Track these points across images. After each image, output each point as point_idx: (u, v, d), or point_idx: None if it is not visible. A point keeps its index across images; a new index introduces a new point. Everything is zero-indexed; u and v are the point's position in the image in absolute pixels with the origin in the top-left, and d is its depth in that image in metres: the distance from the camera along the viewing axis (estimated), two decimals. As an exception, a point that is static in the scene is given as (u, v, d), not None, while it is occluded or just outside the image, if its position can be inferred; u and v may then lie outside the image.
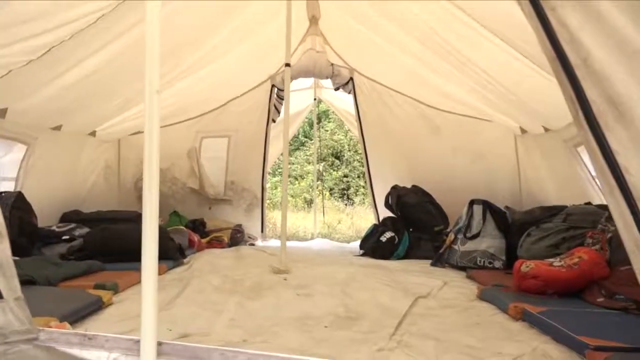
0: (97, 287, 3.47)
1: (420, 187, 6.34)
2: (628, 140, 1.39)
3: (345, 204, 13.84)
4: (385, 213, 6.61)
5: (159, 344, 1.62)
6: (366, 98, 7.06)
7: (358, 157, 14.44)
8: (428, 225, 6.02)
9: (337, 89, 7.25)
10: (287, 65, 4.92)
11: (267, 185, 8.53)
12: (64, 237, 5.05)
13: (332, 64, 6.77)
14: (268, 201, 9.45)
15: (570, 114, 1.54)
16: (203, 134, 7.45)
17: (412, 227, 6.08)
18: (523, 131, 6.01)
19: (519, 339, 2.67)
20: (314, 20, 6.18)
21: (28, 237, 4.69)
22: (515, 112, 5.58)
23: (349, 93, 7.16)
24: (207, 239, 6.36)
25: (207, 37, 5.20)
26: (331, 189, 14.84)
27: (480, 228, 5.01)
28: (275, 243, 6.99)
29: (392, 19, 4.94)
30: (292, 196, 13.93)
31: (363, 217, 11.10)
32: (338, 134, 15.37)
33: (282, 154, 6.86)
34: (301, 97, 8.67)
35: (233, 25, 5.17)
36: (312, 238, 8.57)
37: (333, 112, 12.91)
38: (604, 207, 4.14)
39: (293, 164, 14.94)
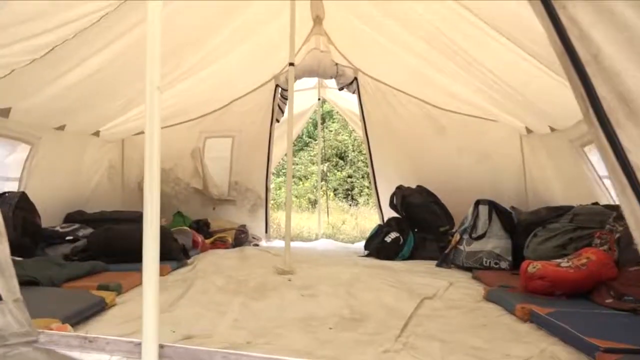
0: (101, 288, 3.44)
1: (425, 187, 6.30)
2: (639, 137, 1.36)
3: (350, 205, 13.81)
4: (389, 213, 6.58)
5: (161, 346, 1.60)
6: (370, 98, 7.03)
7: (362, 158, 14.40)
8: (433, 226, 5.99)
9: (341, 88, 7.22)
10: (291, 64, 4.89)
11: (271, 186, 8.51)
12: (67, 238, 5.04)
13: (336, 64, 6.75)
14: (272, 202, 9.43)
15: (581, 111, 1.50)
16: (207, 134, 7.43)
17: (417, 227, 6.04)
18: (529, 131, 5.97)
19: (526, 341, 2.64)
20: (318, 20, 6.16)
21: (31, 238, 4.68)
22: (521, 112, 5.54)
23: (353, 93, 7.14)
24: (211, 239, 6.35)
25: (209, 37, 5.18)
26: (335, 190, 14.80)
27: (486, 228, 4.97)
28: (279, 243, 6.96)
29: (397, 18, 4.91)
30: (296, 197, 13.90)
31: (367, 217, 11.07)
32: (342, 135, 15.33)
33: (286, 155, 6.82)
34: (305, 97, 8.65)
35: (236, 25, 5.15)
36: (316, 239, 8.55)
37: (337, 112, 12.89)
38: (612, 207, 4.10)
39: (297, 164, 14.92)
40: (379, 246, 5.89)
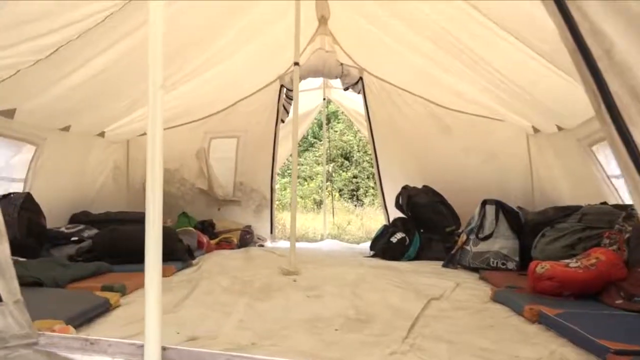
0: (105, 289, 3.42)
1: (431, 187, 6.26)
2: (652, 134, 1.33)
3: (355, 205, 13.78)
4: (395, 214, 6.55)
5: (164, 348, 1.57)
6: (376, 98, 7.00)
7: (367, 158, 14.37)
8: (439, 226, 5.95)
9: (346, 88, 7.20)
10: (296, 64, 4.87)
11: (276, 186, 8.49)
12: (72, 239, 5.04)
13: (341, 64, 6.72)
14: (277, 202, 9.41)
15: (593, 108, 1.47)
16: (212, 134, 7.43)
17: (423, 227, 6.01)
18: (536, 130, 5.92)
19: (535, 342, 2.60)
20: (323, 20, 6.13)
21: (36, 238, 4.68)
22: (529, 111, 5.49)
23: (359, 93, 7.11)
24: (216, 240, 6.33)
25: (214, 38, 5.18)
26: (340, 190, 14.78)
27: (493, 229, 4.92)
28: (284, 244, 6.94)
29: (403, 18, 4.88)
30: (301, 197, 13.89)
31: (373, 218, 11.04)
32: (347, 135, 15.31)
33: (291, 155, 6.81)
34: (310, 97, 8.63)
35: (241, 25, 5.14)
36: (321, 239, 8.53)
37: (342, 112, 12.86)
38: (621, 207, 4.06)
39: (302, 165, 14.90)
40: (384, 246, 5.85)
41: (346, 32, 6.30)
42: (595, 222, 4.03)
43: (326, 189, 11.85)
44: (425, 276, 4.52)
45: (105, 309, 3.04)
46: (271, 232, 7.36)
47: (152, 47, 1.69)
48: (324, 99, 9.01)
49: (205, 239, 5.91)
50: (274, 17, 5.25)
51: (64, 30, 3.53)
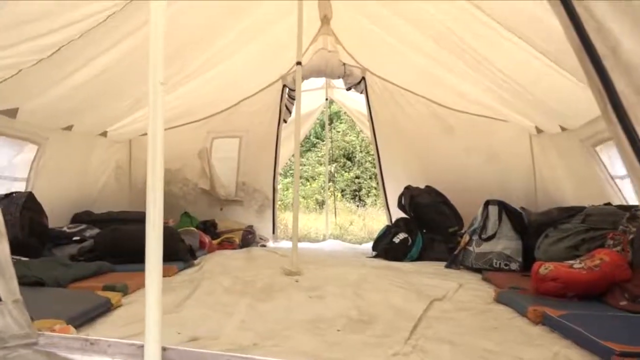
0: (107, 288, 3.41)
1: (434, 187, 6.24)
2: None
3: (357, 206, 13.76)
4: (397, 214, 6.53)
5: (164, 349, 1.56)
6: (378, 98, 6.99)
7: (370, 159, 14.36)
8: (442, 226, 5.93)
9: (349, 88, 7.19)
10: (299, 63, 4.86)
11: (279, 187, 8.48)
12: (74, 238, 5.04)
13: (343, 64, 6.71)
14: (279, 202, 9.41)
15: (599, 107, 1.45)
16: (214, 134, 7.42)
17: (426, 228, 5.99)
18: (539, 131, 5.90)
19: (539, 344, 2.58)
20: (325, 20, 6.12)
21: (38, 238, 4.67)
22: (531, 111, 5.47)
23: (361, 93, 7.11)
24: (218, 240, 6.33)
25: (217, 37, 5.16)
26: (343, 190, 14.76)
27: (496, 229, 4.90)
28: (286, 244, 6.93)
29: (405, 18, 4.87)
30: (303, 197, 13.88)
31: (375, 218, 11.02)
32: (350, 135, 15.30)
33: (293, 155, 6.80)
34: (313, 97, 8.62)
35: (243, 25, 5.13)
36: (323, 239, 8.52)
37: (345, 113, 12.85)
38: (625, 208, 4.04)
39: (304, 165, 14.89)
40: (387, 247, 5.84)
41: (349, 32, 6.29)
42: (599, 223, 4.01)
43: (328, 189, 11.84)
44: (428, 277, 4.50)
45: (106, 308, 3.02)
46: (273, 232, 7.35)
47: (153, 43, 1.68)
48: (327, 99, 9.00)
49: (207, 239, 5.90)
50: (276, 16, 5.24)
51: (65, 30, 3.52)
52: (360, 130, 12.76)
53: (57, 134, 5.31)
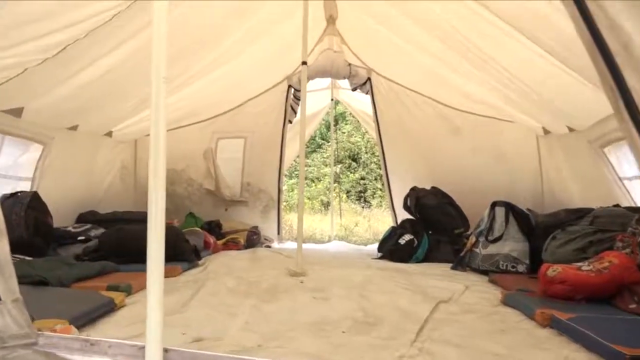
0: (110, 288, 3.40)
1: (440, 188, 6.20)
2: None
3: (362, 207, 13.73)
4: (403, 215, 6.50)
5: (165, 350, 1.53)
6: (384, 98, 6.96)
7: (375, 160, 14.33)
8: (448, 228, 5.88)
9: (354, 89, 7.16)
10: (304, 63, 4.84)
11: (284, 187, 8.46)
12: (79, 238, 5.04)
13: (349, 64, 6.69)
14: (284, 203, 9.39)
15: (611, 105, 1.42)
16: (219, 134, 7.41)
17: (432, 229, 5.94)
18: (546, 132, 5.86)
19: (547, 347, 2.54)
20: (331, 20, 6.10)
21: (43, 238, 4.67)
22: (538, 111, 5.43)
23: (367, 93, 7.08)
24: (223, 240, 6.31)
25: (222, 38, 5.15)
26: (348, 192, 14.74)
27: (503, 231, 4.85)
28: (291, 245, 6.91)
29: (411, 18, 4.84)
30: (308, 198, 13.86)
31: (380, 219, 10.98)
32: (355, 136, 15.27)
33: (298, 156, 6.78)
34: (318, 98, 8.60)
35: (248, 25, 5.11)
36: (328, 240, 8.49)
37: (350, 113, 12.84)
38: (634, 210, 3.99)
39: (310, 166, 14.88)
40: (392, 248, 5.80)
41: (354, 32, 6.26)
42: (607, 225, 3.95)
43: (334, 190, 11.82)
44: (434, 278, 4.46)
45: (110, 308, 3.01)
46: (278, 233, 7.33)
47: (155, 37, 1.66)
48: (332, 100, 8.98)
49: (211, 239, 5.88)
50: (281, 17, 5.22)
51: (70, 29, 3.52)
52: (366, 131, 12.75)
53: (62, 133, 5.31)
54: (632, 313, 2.94)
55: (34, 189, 4.96)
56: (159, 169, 1.60)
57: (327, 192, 13.49)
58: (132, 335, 2.42)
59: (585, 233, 4.01)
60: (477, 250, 4.93)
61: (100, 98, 5.01)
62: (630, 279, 3.16)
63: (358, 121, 11.85)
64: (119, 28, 3.86)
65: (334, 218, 9.77)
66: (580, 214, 4.43)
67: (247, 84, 6.82)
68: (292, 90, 7.19)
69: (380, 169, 9.44)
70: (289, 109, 7.26)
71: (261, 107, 7.28)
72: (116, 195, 6.69)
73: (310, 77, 6.30)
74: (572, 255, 3.85)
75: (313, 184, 14.77)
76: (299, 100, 6.88)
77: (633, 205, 4.33)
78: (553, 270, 3.34)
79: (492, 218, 4.98)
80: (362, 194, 14.76)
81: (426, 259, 5.62)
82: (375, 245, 6.57)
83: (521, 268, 4.62)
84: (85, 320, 2.68)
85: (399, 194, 6.66)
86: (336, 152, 12.71)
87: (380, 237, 6.59)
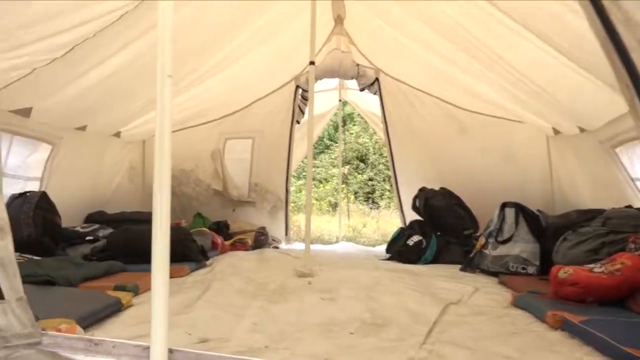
0: (117, 288, 3.40)
1: (449, 189, 6.15)
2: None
3: (371, 208, 13.68)
4: (411, 216, 6.46)
5: (170, 351, 1.51)
6: (392, 99, 6.93)
7: (383, 161, 14.28)
8: (457, 229, 5.83)
9: (362, 89, 7.14)
10: (312, 63, 4.81)
11: (292, 188, 8.44)
12: (87, 238, 5.05)
13: (357, 64, 6.66)
14: (292, 204, 9.37)
15: (626, 103, 1.39)
16: (227, 135, 7.41)
17: (440, 230, 5.90)
18: (556, 132, 5.79)
19: (558, 350, 2.50)
20: (339, 20, 6.09)
21: (51, 237, 4.68)
22: (548, 111, 5.37)
23: (375, 94, 7.04)
24: (231, 241, 6.30)
25: (230, 38, 5.14)
26: (356, 193, 14.69)
27: (513, 232, 4.80)
28: (299, 246, 6.89)
29: (419, 18, 4.80)
30: (316, 199, 13.83)
31: (388, 220, 10.93)
32: (363, 137, 15.24)
33: (306, 157, 6.76)
34: (326, 98, 8.58)
35: (256, 26, 5.11)
36: (336, 241, 8.46)
37: (358, 114, 12.81)
38: (647, 211, 3.92)
39: (318, 167, 14.86)
40: (401, 249, 5.76)
41: (362, 32, 6.24)
42: (619, 226, 3.89)
43: (341, 191, 11.78)
44: (443, 280, 4.42)
45: (116, 308, 3.00)
46: (286, 234, 7.32)
47: (161, 35, 1.65)
48: (340, 100, 8.95)
49: (219, 239, 5.87)
50: (289, 17, 5.20)
51: (77, 30, 3.52)
52: (374, 132, 12.72)
53: (71, 133, 5.32)
54: (645, 316, 2.89)
55: (43, 189, 4.98)
56: (164, 168, 1.59)
57: (335, 193, 13.46)
58: (139, 335, 2.41)
59: (597, 234, 3.96)
60: (487, 251, 4.88)
61: (108, 98, 5.02)
62: (643, 281, 3.11)
63: (366, 122, 11.82)
64: (126, 28, 3.87)
65: (341, 219, 9.75)
66: (592, 215, 4.37)
67: (254, 84, 6.82)
68: (300, 90, 7.18)
69: (388, 169, 9.40)
70: (297, 109, 7.24)
71: (269, 107, 7.27)
72: (124, 195, 6.70)
73: (318, 78, 6.28)
74: (584, 257, 3.80)
75: (321, 185, 14.75)
76: (306, 100, 6.86)
77: (645, 206, 4.27)
78: (564, 272, 3.29)
79: (501, 219, 4.94)
80: (370, 195, 14.71)
81: (435, 260, 5.57)
82: (384, 247, 6.54)
83: (531, 270, 4.57)
84: (92, 320, 2.67)
85: (408, 194, 6.62)
86: (344, 153, 12.68)
87: (389, 238, 6.55)
